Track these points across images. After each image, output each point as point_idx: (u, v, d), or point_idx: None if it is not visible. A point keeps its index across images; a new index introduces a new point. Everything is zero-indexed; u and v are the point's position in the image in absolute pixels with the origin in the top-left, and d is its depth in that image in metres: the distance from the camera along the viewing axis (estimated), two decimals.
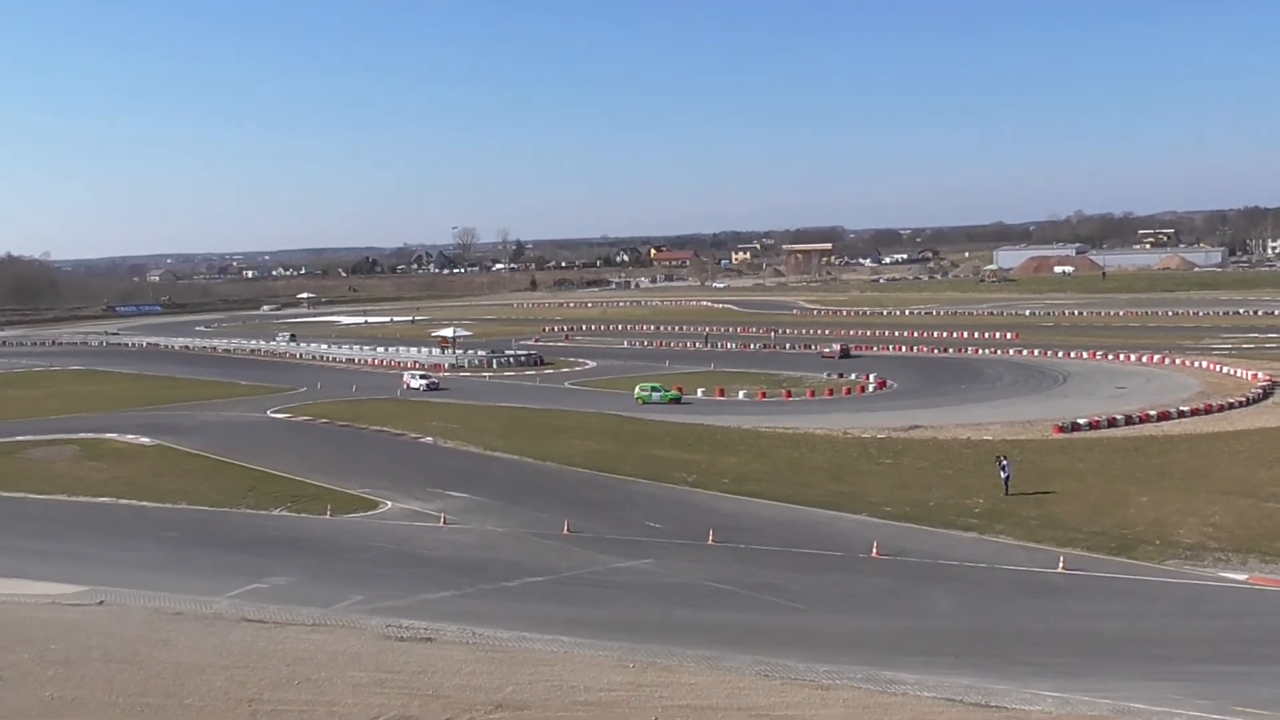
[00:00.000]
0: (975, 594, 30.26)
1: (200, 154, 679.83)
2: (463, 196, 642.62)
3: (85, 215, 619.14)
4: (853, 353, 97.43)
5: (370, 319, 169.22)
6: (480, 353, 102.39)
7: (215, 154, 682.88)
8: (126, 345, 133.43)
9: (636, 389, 72.43)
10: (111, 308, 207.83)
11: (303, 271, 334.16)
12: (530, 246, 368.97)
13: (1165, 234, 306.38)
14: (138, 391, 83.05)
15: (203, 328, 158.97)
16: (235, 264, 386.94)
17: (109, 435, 59.56)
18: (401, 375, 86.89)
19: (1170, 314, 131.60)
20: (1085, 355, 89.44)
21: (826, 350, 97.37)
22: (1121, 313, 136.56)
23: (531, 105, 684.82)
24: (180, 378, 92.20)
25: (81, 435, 59.70)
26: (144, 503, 43.65)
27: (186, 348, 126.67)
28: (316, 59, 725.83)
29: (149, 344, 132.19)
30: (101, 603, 25.33)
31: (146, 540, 37.67)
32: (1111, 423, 57.09)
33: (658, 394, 71.66)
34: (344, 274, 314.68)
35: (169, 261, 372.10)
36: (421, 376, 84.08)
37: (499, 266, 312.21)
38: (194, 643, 20.48)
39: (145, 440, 57.45)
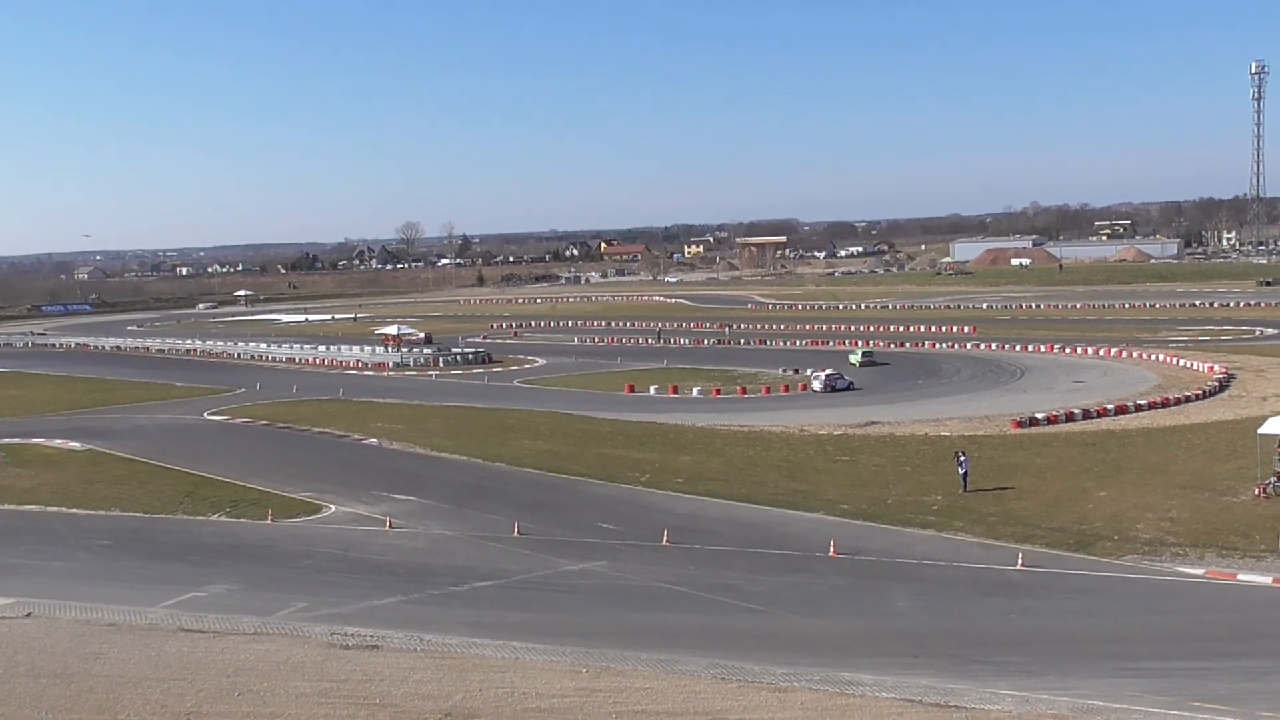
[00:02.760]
0: (934, 593, 30.02)
1: (131, 146, 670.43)
2: (406, 190, 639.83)
3: (7, 211, 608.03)
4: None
5: (311, 317, 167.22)
6: (426, 350, 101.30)
7: (146, 146, 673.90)
8: (54, 346, 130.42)
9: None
10: (37, 307, 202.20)
11: (240, 268, 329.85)
12: (477, 241, 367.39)
13: (1121, 225, 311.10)
14: (66, 394, 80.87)
15: (135, 327, 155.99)
16: (169, 261, 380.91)
17: (35, 440, 57.85)
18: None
19: (1127, 306, 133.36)
20: (1043, 349, 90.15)
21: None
22: (1078, 305, 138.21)
23: (476, 95, 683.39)
24: (112, 379, 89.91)
25: (6, 440, 57.78)
26: (74, 510, 42.29)
27: (118, 348, 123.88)
28: (253, 46, 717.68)
29: (78, 345, 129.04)
30: (29, 615, 24.60)
31: (77, 549, 36.47)
32: (1069, 417, 57.44)
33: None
34: (283, 270, 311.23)
35: (98, 259, 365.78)
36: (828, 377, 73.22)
37: (444, 262, 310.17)
38: (128, 655, 19.88)
39: (75, 445, 55.92)
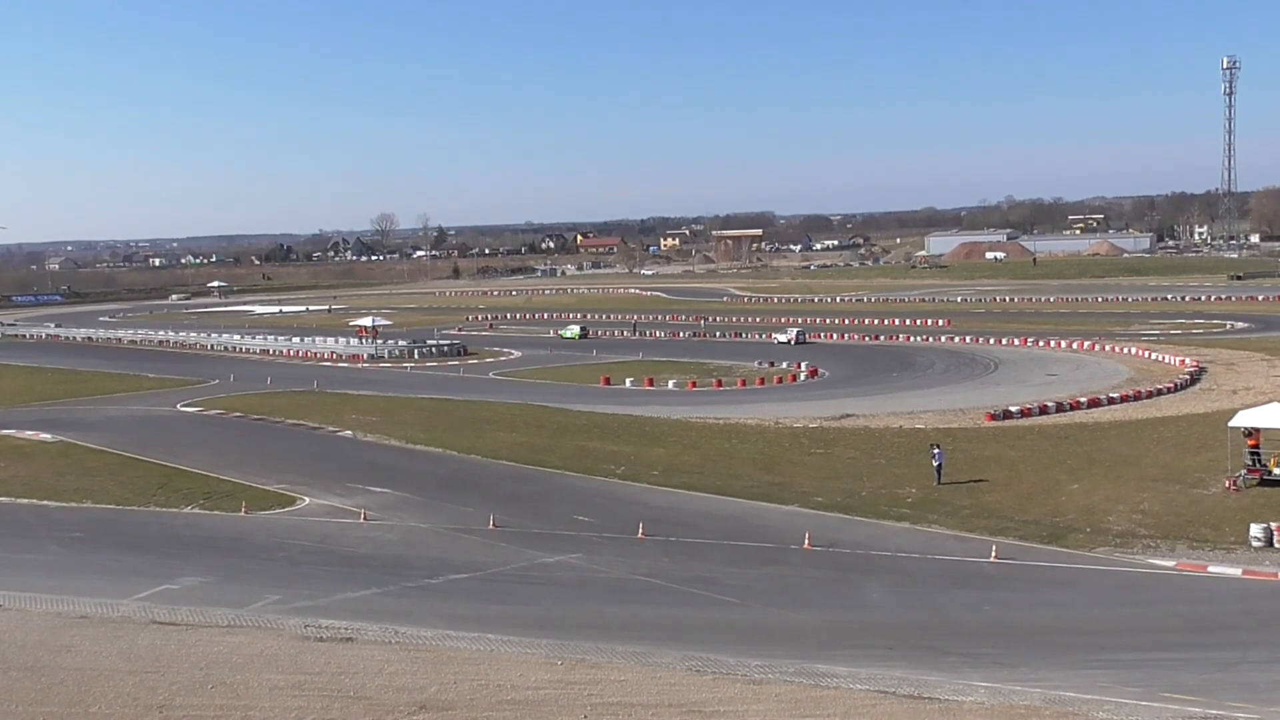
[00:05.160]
0: (908, 585, 30.11)
1: (103, 136, 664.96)
2: (381, 181, 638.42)
3: None
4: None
5: (285, 308, 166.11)
6: (401, 343, 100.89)
7: (118, 136, 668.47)
8: (24, 337, 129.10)
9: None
10: (7, 297, 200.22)
11: (213, 259, 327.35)
12: (452, 233, 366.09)
13: (1095, 219, 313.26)
14: (37, 385, 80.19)
15: (107, 318, 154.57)
16: (141, 251, 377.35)
17: (7, 432, 57.22)
18: None
19: (1100, 300, 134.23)
20: (1016, 342, 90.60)
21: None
22: (1052, 299, 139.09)
23: (453, 87, 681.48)
24: (83, 371, 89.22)
25: None
26: (45, 502, 41.89)
27: (90, 339, 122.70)
28: (227, 36, 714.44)
29: (49, 335, 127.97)
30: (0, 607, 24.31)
31: (48, 541, 36.11)
32: (1043, 410, 57.59)
33: None
34: (257, 262, 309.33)
35: (69, 249, 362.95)
36: None
37: (420, 254, 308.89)
38: (99, 648, 19.73)
39: (46, 437, 55.39)
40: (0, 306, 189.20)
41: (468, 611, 27.17)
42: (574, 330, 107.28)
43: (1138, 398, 61.19)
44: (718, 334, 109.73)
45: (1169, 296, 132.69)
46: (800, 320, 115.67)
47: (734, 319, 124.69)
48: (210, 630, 22.20)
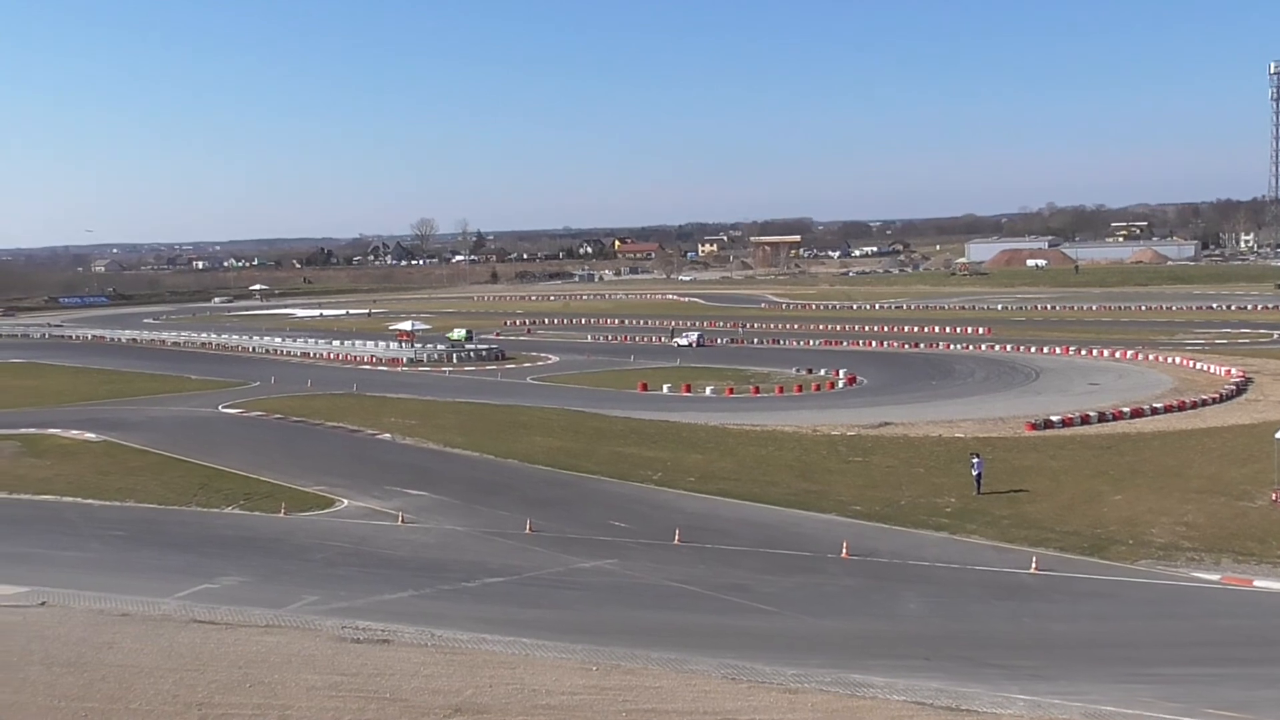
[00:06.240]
0: (946, 595, 29.87)
1: (148, 141, 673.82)
2: (421, 187, 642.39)
3: (25, 203, 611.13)
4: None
5: (325, 312, 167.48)
6: (439, 347, 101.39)
7: (164, 140, 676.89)
8: (71, 338, 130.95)
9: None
10: (54, 299, 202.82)
11: (255, 263, 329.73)
12: (491, 238, 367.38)
13: (1138, 227, 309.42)
14: (82, 386, 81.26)
15: (151, 320, 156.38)
16: (185, 254, 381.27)
17: (52, 431, 58.07)
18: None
19: (1143, 308, 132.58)
20: (1058, 350, 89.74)
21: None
22: (1094, 307, 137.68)
23: (492, 92, 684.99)
24: (127, 372, 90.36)
25: (23, 431, 58.15)
26: (89, 501, 42.38)
27: (134, 341, 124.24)
28: (270, 44, 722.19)
29: (94, 336, 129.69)
30: (43, 604, 24.55)
31: (91, 539, 36.53)
32: (1084, 420, 56.97)
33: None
34: (298, 265, 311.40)
35: (114, 251, 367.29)
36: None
37: (459, 258, 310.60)
38: (140, 645, 19.81)
39: (90, 436, 56.10)
40: (47, 308, 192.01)
41: (503, 615, 27.21)
42: (459, 333, 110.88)
43: (1182, 408, 60.39)
44: (755, 340, 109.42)
45: (1214, 305, 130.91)
46: (839, 326, 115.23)
47: (771, 325, 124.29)
48: (249, 630, 22.30)
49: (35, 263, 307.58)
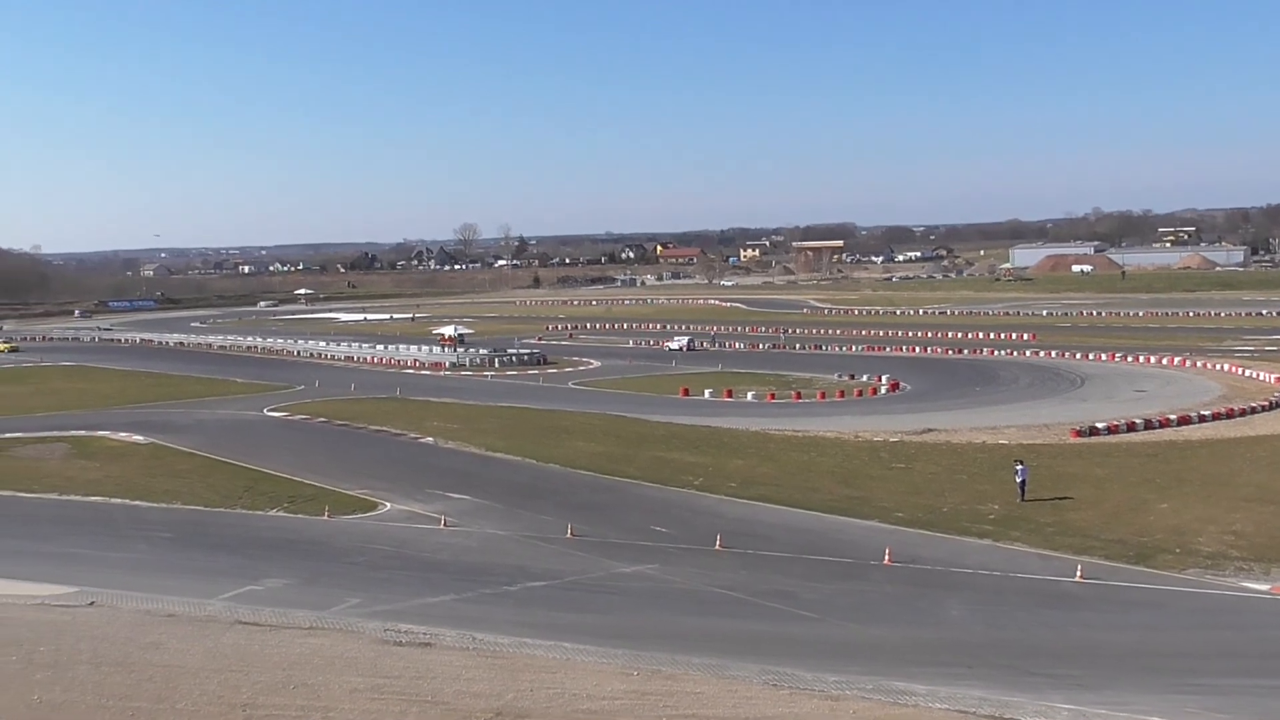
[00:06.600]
0: (989, 603, 29.59)
1: (196, 147, 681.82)
2: (464, 191, 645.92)
3: (77, 208, 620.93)
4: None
5: (369, 316, 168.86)
6: (482, 351, 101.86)
7: (211, 147, 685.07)
8: (120, 341, 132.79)
9: None
10: (104, 303, 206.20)
11: (300, 267, 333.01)
12: (533, 243, 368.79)
13: (1186, 232, 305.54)
14: (131, 389, 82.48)
15: (198, 324, 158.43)
16: (231, 259, 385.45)
17: (101, 433, 59.03)
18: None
19: (1191, 315, 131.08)
20: (1103, 357, 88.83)
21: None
22: (1141, 313, 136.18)
23: (535, 98, 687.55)
24: (175, 375, 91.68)
25: (73, 433, 59.19)
26: (137, 502, 42.97)
27: (181, 344, 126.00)
28: (315, 51, 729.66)
29: (143, 340, 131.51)
30: (92, 604, 24.88)
31: (139, 541, 37.02)
32: (1130, 427, 56.33)
33: None
34: (343, 270, 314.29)
35: (163, 256, 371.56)
36: None
37: (501, 263, 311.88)
38: (186, 645, 20.03)
39: (138, 438, 56.91)
40: (97, 312, 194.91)
41: (544, 619, 27.26)
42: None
43: (1230, 415, 59.63)
44: (797, 346, 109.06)
45: (1264, 312, 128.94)
46: (882, 331, 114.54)
47: (814, 331, 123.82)
48: (292, 631, 22.46)
49: (87, 267, 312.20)
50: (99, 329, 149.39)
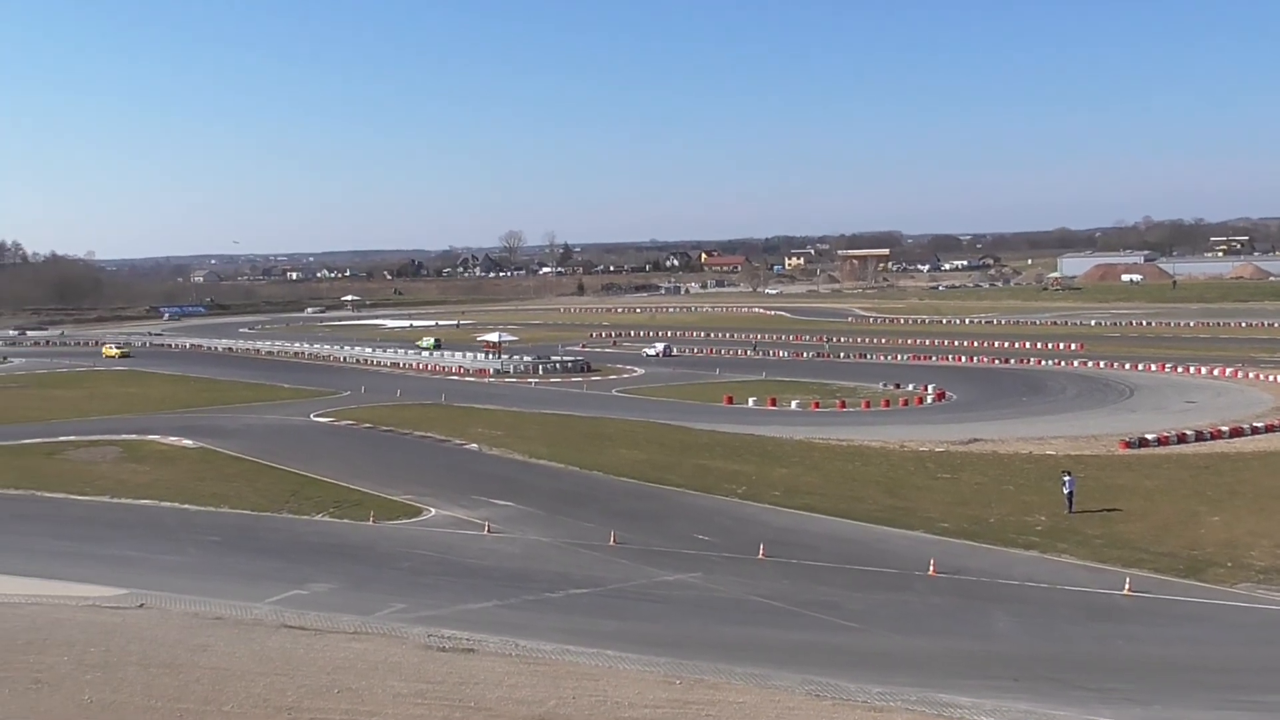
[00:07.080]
0: (1036, 615, 29.24)
1: (245, 155, 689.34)
2: (509, 199, 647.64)
3: (130, 215, 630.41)
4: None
5: (415, 322, 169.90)
6: (526, 358, 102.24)
7: (260, 155, 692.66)
8: (170, 346, 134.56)
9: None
10: (155, 309, 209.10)
11: (347, 273, 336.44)
12: (578, 250, 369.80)
13: (1238, 241, 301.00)
14: (181, 393, 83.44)
15: (246, 329, 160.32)
16: (279, 265, 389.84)
17: (151, 437, 59.75)
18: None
19: (1243, 325, 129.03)
20: (1153, 368, 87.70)
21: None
22: (1192, 323, 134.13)
23: (581, 106, 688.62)
24: (223, 380, 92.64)
25: (124, 436, 59.95)
26: (186, 506, 43.46)
27: (230, 350, 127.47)
28: (361, 59, 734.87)
29: (192, 345, 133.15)
30: (141, 606, 25.24)
31: (188, 544, 37.44)
32: (1181, 438, 55.46)
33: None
34: (389, 276, 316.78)
35: (213, 262, 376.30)
36: None
37: (545, 270, 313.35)
38: (233, 648, 20.26)
39: (188, 443, 57.56)
40: (148, 317, 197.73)
41: (587, 626, 27.27)
42: (428, 342, 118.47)
43: None
44: (841, 355, 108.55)
45: None
46: (928, 341, 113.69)
47: (859, 340, 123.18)
48: (337, 636, 22.64)
49: (139, 273, 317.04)
50: (150, 334, 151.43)
